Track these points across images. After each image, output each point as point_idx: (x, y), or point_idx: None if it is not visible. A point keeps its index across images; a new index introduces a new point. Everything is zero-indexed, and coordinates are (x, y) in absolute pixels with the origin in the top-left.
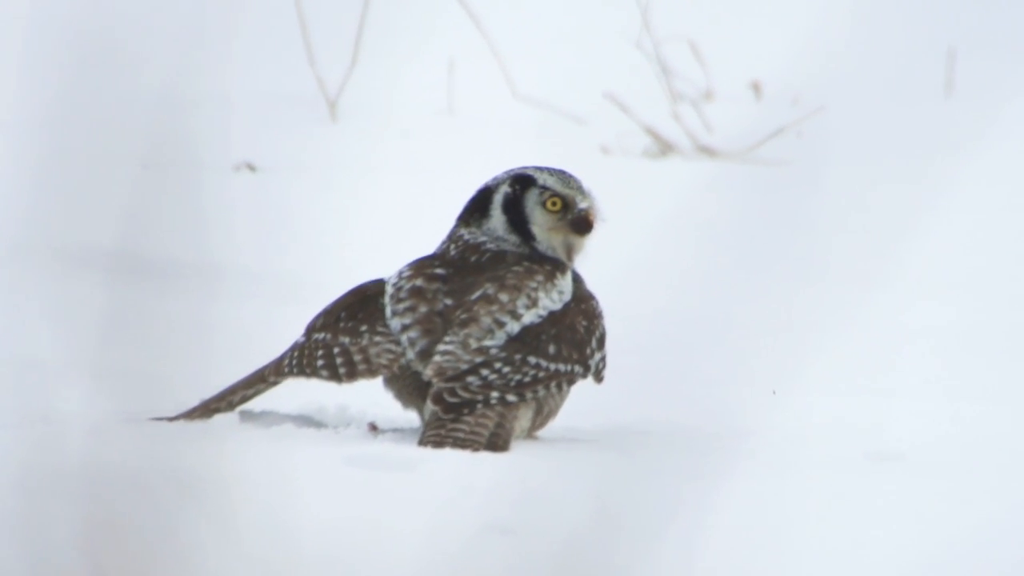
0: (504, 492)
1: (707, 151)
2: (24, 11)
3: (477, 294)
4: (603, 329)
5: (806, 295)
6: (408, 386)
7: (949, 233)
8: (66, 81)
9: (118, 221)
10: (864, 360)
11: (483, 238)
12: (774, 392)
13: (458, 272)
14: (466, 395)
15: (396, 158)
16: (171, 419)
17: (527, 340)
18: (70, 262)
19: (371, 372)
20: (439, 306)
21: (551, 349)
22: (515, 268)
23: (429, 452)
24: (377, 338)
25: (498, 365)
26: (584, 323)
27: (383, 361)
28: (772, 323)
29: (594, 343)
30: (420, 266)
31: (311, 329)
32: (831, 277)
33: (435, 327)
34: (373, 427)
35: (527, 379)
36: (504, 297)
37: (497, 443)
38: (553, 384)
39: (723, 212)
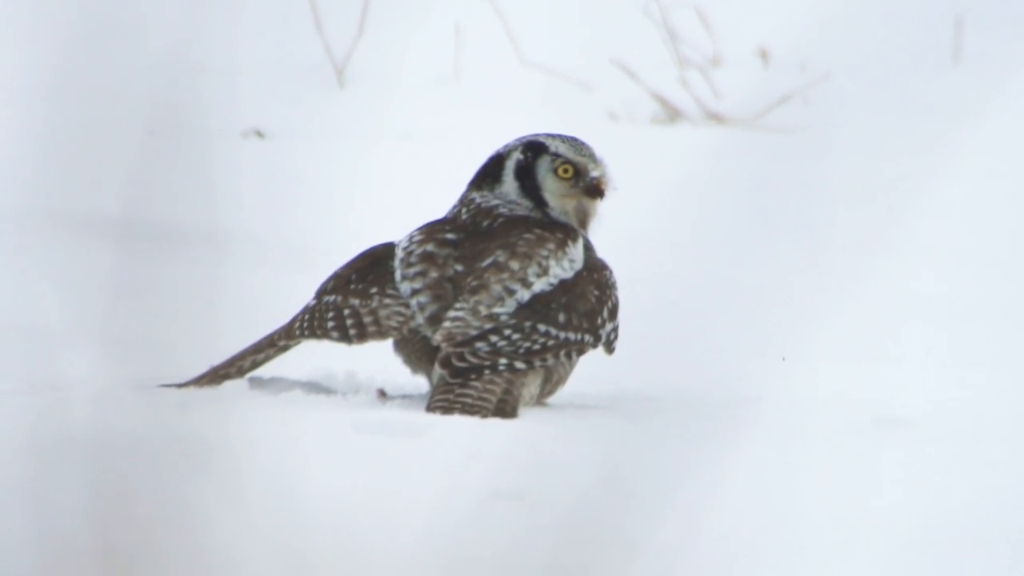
0: (512, 458)
1: (715, 117)
2: None
3: (488, 261)
4: (616, 300)
5: (814, 262)
6: (417, 351)
7: (956, 201)
8: (72, 47)
9: (125, 188)
10: (872, 327)
11: (495, 201)
12: (783, 359)
13: (469, 237)
14: (474, 360)
15: (403, 125)
16: (180, 385)
17: (537, 308)
18: (77, 229)
19: (381, 334)
20: (449, 272)
21: (561, 317)
22: (526, 235)
23: (437, 418)
24: (387, 300)
25: (507, 332)
26: (596, 292)
27: (393, 323)
28: (780, 290)
29: (605, 313)
30: (431, 231)
31: (322, 292)
32: (839, 244)
33: (445, 293)
34: (382, 393)
35: (536, 347)
36: (515, 265)
37: (505, 409)
38: (563, 353)
39: (730, 178)
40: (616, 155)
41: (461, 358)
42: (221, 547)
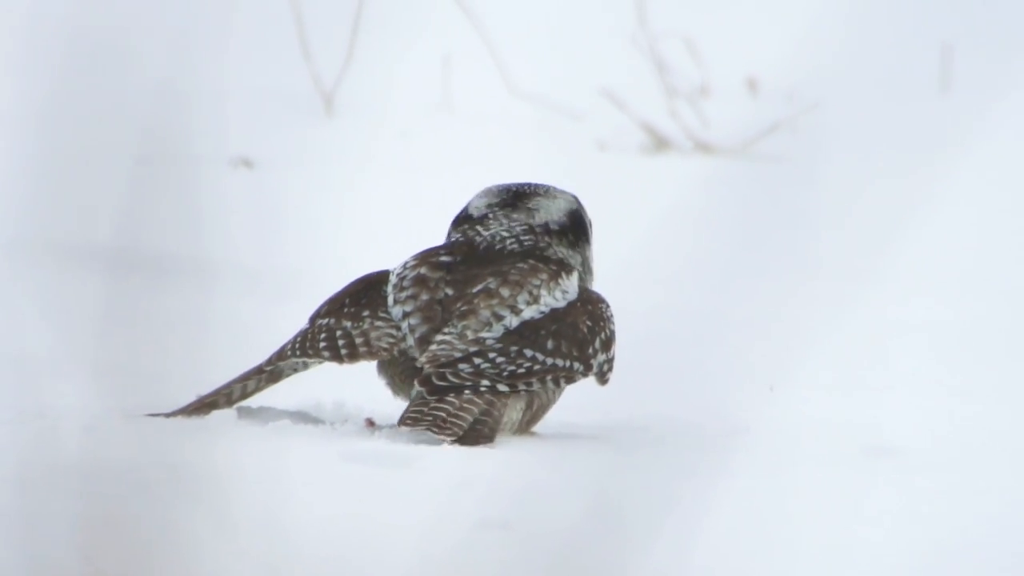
0: (501, 488)
1: (703, 147)
2: (20, 6)
3: (479, 287)
4: (610, 332)
5: (802, 291)
6: (402, 372)
7: (944, 229)
8: (61, 76)
9: (114, 217)
10: (860, 356)
11: (504, 233)
12: (771, 388)
13: (464, 261)
14: (455, 380)
15: (392, 154)
16: (168, 415)
17: (525, 333)
18: (66, 257)
19: (371, 354)
20: (440, 294)
21: (549, 344)
22: (520, 264)
23: (425, 448)
24: (378, 322)
25: (492, 355)
26: (588, 323)
27: (383, 344)
28: (768, 319)
29: (598, 344)
30: (426, 255)
31: (315, 316)
32: (827, 273)
33: (435, 315)
34: (370, 423)
35: (520, 370)
36: (505, 292)
37: (482, 431)
38: (549, 378)
39: (719, 208)
40: (604, 184)
41: (442, 377)
42: (209, 574)
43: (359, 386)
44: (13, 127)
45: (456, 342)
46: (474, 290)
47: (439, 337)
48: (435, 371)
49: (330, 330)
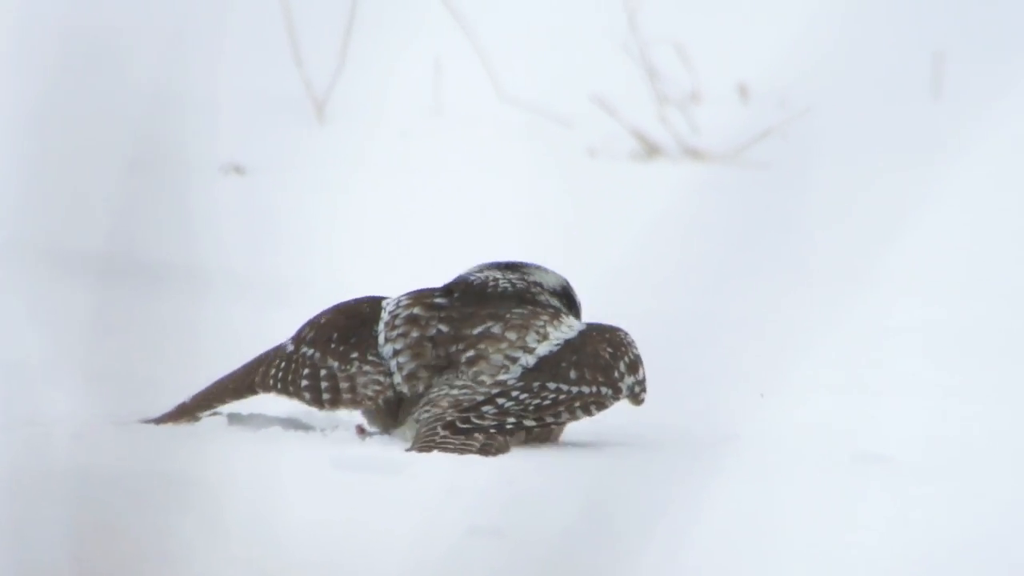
0: (492, 494)
1: (693, 153)
2: (10, 11)
3: (479, 330)
4: (634, 355)
5: (793, 296)
6: (386, 408)
7: (936, 234)
8: (53, 81)
9: (105, 223)
10: (850, 361)
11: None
12: (761, 394)
13: (460, 298)
14: (480, 423)
15: (383, 159)
16: (157, 421)
17: (544, 368)
18: (57, 264)
19: (355, 403)
20: (431, 331)
21: (572, 374)
22: (517, 309)
23: (416, 455)
24: (367, 367)
25: (515, 393)
26: (609, 350)
27: (369, 392)
28: (759, 324)
29: (622, 367)
30: (420, 296)
31: (299, 339)
32: (818, 278)
33: (425, 351)
34: (361, 430)
35: (546, 403)
36: (512, 335)
37: (490, 451)
38: (577, 406)
39: (710, 214)
40: (595, 191)
41: (466, 421)
42: None
43: None
44: (4, 132)
45: (475, 386)
46: (474, 332)
47: (458, 382)
48: (459, 416)
49: (314, 367)
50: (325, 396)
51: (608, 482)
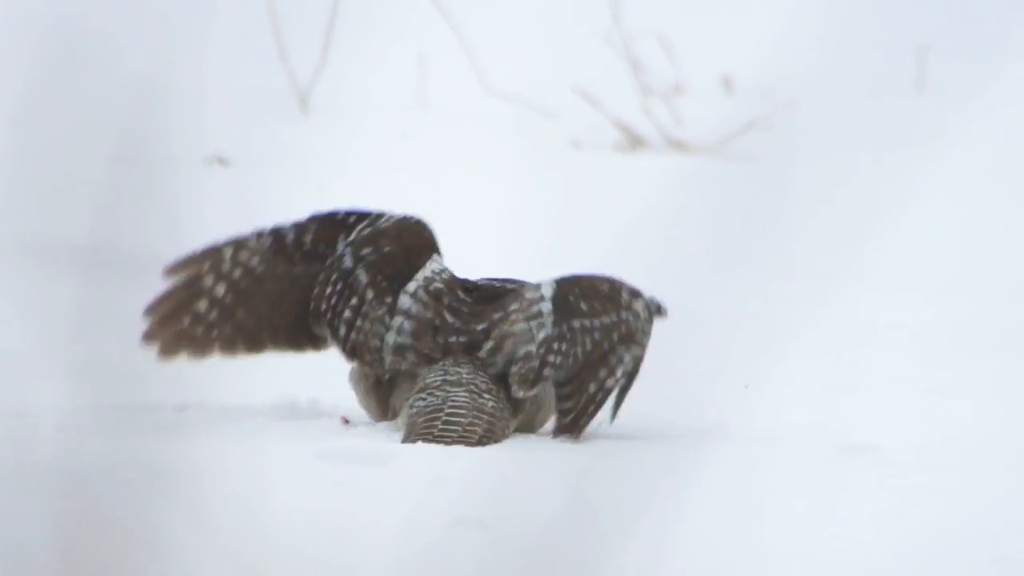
0: (477, 486)
1: (677, 145)
2: None
3: (483, 325)
4: (629, 285)
5: (777, 289)
6: (375, 385)
7: (920, 227)
8: (35, 75)
9: (89, 215)
10: (836, 354)
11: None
12: (746, 387)
13: (475, 296)
14: (548, 373)
15: (368, 152)
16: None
17: (556, 310)
18: (42, 256)
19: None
20: (437, 320)
21: (583, 306)
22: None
23: (401, 446)
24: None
25: (555, 345)
26: (606, 282)
27: (368, 355)
28: (744, 317)
29: (625, 295)
30: (453, 283)
31: (356, 256)
32: (802, 271)
33: (425, 336)
34: (345, 421)
35: (589, 347)
36: (514, 305)
37: (489, 440)
38: (616, 336)
39: (694, 206)
40: (579, 182)
41: (535, 382)
42: (186, 574)
43: (334, 384)
44: None
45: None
46: (479, 328)
47: (514, 367)
48: (528, 384)
49: (356, 308)
50: (347, 344)
51: (592, 474)
